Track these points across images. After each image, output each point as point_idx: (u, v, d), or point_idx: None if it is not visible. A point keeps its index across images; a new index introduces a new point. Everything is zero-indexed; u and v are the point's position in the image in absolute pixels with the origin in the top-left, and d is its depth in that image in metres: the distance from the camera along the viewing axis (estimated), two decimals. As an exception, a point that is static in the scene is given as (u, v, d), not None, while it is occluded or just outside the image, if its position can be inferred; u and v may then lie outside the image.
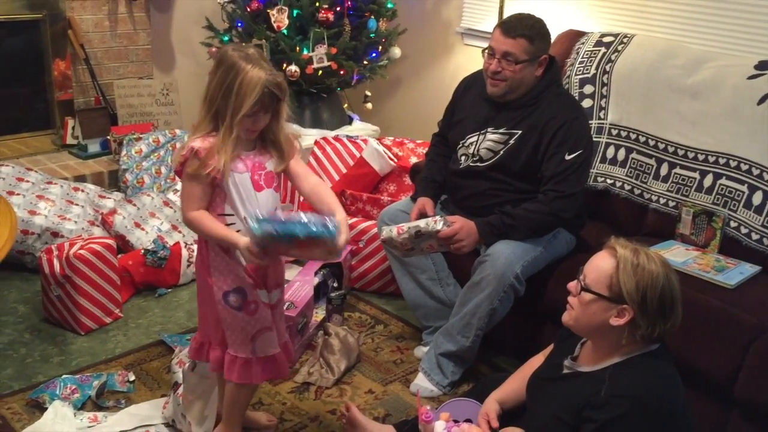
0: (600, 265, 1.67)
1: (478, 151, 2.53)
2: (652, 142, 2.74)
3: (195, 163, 1.82)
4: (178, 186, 3.43)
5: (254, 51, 1.84)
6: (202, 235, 1.91)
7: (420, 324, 2.79)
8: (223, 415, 2.12)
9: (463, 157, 2.59)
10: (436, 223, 2.38)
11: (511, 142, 2.47)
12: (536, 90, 2.46)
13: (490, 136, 2.51)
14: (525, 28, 2.41)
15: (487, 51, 2.48)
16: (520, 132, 2.46)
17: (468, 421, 1.96)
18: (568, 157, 2.38)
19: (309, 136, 3.70)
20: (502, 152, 2.49)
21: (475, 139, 2.55)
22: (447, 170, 2.66)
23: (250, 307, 1.94)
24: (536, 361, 1.99)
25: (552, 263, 2.50)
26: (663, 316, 1.62)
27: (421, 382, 2.51)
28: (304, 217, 1.73)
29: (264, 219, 1.72)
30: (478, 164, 2.54)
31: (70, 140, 3.96)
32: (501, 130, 2.49)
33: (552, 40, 2.53)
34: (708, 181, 2.56)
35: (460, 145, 2.60)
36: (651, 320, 1.62)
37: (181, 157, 1.84)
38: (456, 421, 1.94)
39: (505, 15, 3.41)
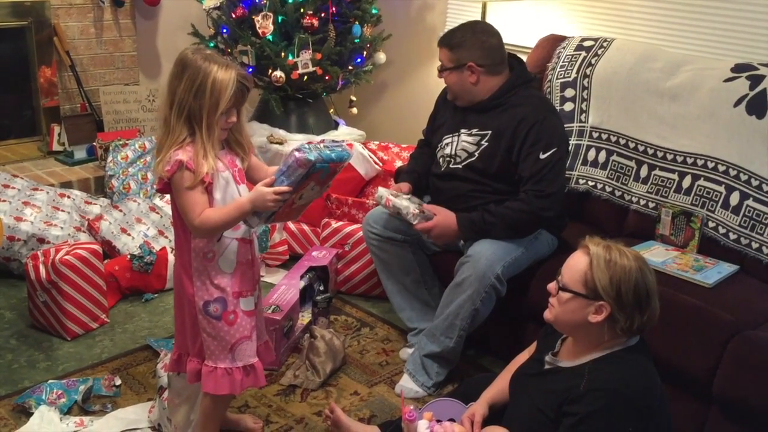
0: (575, 264, 1.72)
1: (455, 152, 2.60)
2: (632, 145, 2.78)
3: (189, 176, 1.83)
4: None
5: (211, 51, 1.89)
6: (218, 229, 1.88)
7: (405, 326, 2.81)
8: (198, 424, 2.11)
9: (441, 159, 2.65)
10: (414, 216, 2.43)
11: (484, 143, 2.53)
12: (500, 92, 2.53)
13: (464, 138, 2.58)
14: (448, 38, 2.56)
15: None
16: (490, 132, 2.52)
17: (451, 421, 1.98)
18: (542, 156, 2.42)
19: (295, 141, 3.72)
20: (476, 153, 2.55)
21: (450, 140, 2.63)
22: (428, 166, 2.73)
23: (230, 317, 1.95)
24: (522, 358, 2.02)
25: (534, 264, 2.53)
26: (639, 309, 1.66)
27: (406, 384, 2.54)
28: (327, 143, 1.89)
29: (309, 147, 1.82)
30: (457, 166, 2.59)
31: (56, 147, 3.97)
32: (473, 131, 2.57)
33: (495, 44, 2.54)
34: (686, 182, 2.60)
35: (439, 148, 2.66)
36: (628, 313, 1.66)
37: (167, 172, 1.83)
38: (439, 421, 1.96)
39: (488, 20, 3.45)
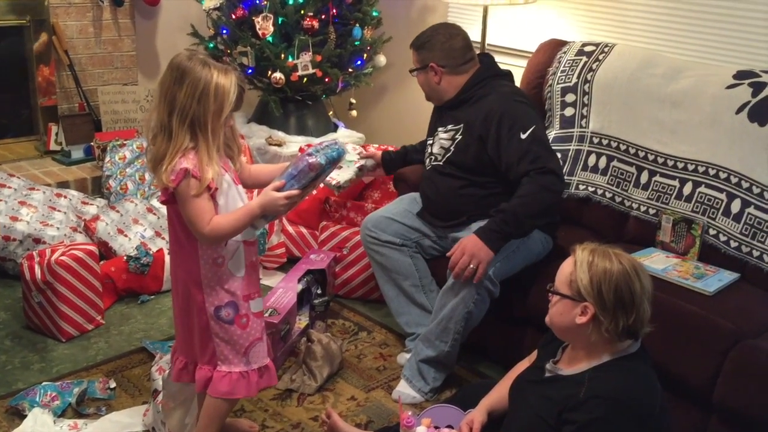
0: (563, 268, 1.77)
1: (435, 150, 2.65)
2: (632, 150, 2.76)
3: (195, 183, 1.82)
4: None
5: (204, 55, 1.87)
6: (229, 235, 1.89)
7: (403, 331, 2.79)
8: (201, 427, 2.08)
9: (427, 161, 2.71)
10: (333, 186, 2.70)
11: (458, 136, 2.57)
12: (466, 87, 2.59)
13: (441, 136, 2.64)
14: (416, 39, 2.66)
15: None
16: (462, 125, 2.56)
17: (449, 427, 1.97)
18: (523, 136, 2.41)
19: (294, 143, 3.71)
20: (452, 148, 2.58)
21: (431, 141, 2.70)
22: (422, 149, 2.83)
23: (242, 321, 1.96)
24: (522, 366, 2.02)
25: (532, 268, 2.51)
26: (624, 311, 1.67)
27: (403, 389, 2.52)
28: (324, 144, 1.97)
29: (314, 150, 1.90)
30: (438, 163, 2.64)
31: (53, 146, 3.95)
32: (448, 128, 2.61)
33: (458, 45, 2.61)
34: (687, 189, 2.59)
35: (425, 151, 2.74)
36: (611, 315, 1.67)
37: (172, 181, 1.81)
38: (437, 428, 1.94)
39: (489, 24, 3.44)
